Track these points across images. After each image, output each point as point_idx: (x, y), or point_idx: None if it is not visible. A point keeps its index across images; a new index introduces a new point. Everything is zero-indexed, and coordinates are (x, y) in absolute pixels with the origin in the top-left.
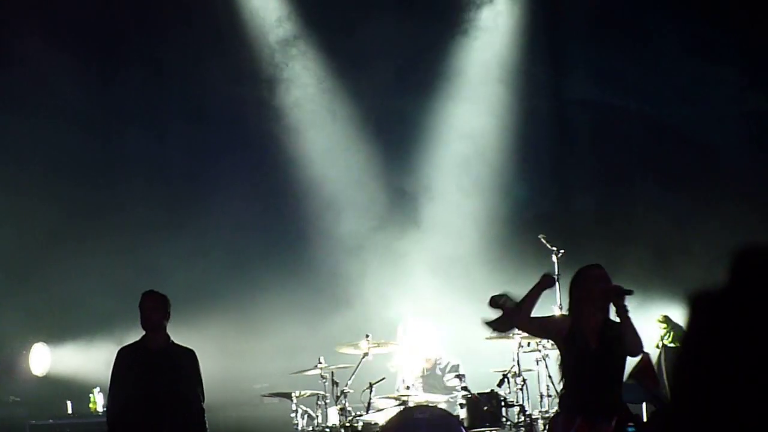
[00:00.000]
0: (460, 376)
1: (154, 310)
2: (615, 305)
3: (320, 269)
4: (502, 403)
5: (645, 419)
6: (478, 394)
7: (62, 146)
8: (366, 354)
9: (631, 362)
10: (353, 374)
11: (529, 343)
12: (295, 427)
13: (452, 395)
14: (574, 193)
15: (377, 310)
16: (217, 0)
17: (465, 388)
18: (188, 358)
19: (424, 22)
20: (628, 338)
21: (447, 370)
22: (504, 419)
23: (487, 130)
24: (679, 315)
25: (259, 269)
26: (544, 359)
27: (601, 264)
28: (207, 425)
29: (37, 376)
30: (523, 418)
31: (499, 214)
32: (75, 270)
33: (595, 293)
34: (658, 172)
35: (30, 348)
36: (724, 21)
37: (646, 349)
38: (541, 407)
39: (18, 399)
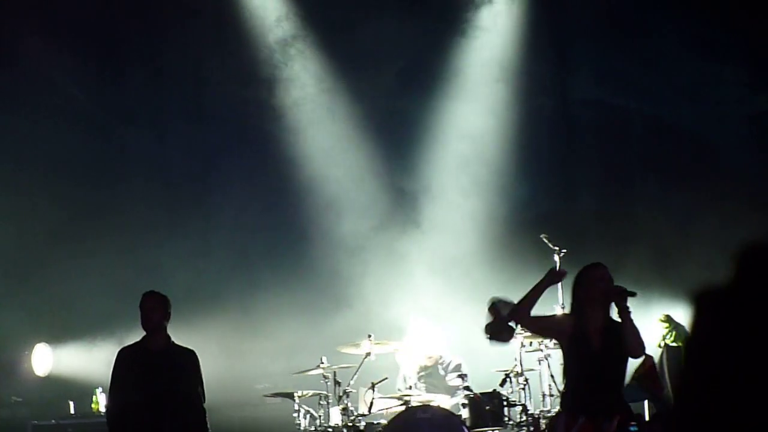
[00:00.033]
0: (462, 376)
1: (155, 311)
2: (616, 306)
3: (321, 269)
4: (505, 403)
5: (647, 418)
6: (480, 393)
7: (63, 146)
8: (368, 354)
9: (633, 363)
10: (355, 374)
11: (531, 343)
12: (297, 427)
13: (456, 395)
14: (577, 192)
15: (378, 310)
16: (219, 0)
17: (467, 388)
18: (189, 358)
19: (426, 22)
20: (628, 340)
21: (449, 369)
22: (506, 419)
23: (488, 129)
24: (681, 314)
25: (260, 269)
26: (546, 359)
27: (603, 263)
28: (209, 425)
29: (39, 377)
30: (525, 418)
31: (500, 214)
32: (76, 270)
33: (596, 293)
34: (661, 171)
35: (32, 348)
36: (728, 21)
37: (648, 349)
38: (543, 407)
39: (20, 399)
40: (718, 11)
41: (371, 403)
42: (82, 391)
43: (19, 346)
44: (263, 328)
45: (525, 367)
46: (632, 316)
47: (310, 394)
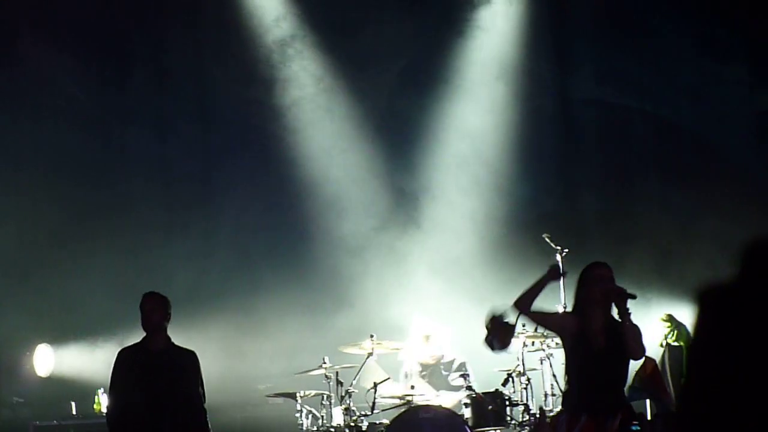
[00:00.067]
0: (464, 376)
1: (155, 312)
2: (616, 307)
3: (322, 269)
4: (507, 403)
5: (649, 418)
6: (482, 393)
7: (64, 146)
8: (370, 354)
9: (634, 365)
10: (358, 374)
11: (533, 343)
12: (299, 427)
13: (459, 392)
14: (579, 192)
15: (379, 310)
16: (220, 0)
17: (469, 388)
18: (189, 359)
19: (426, 22)
20: (628, 342)
21: (453, 368)
22: (509, 418)
23: (489, 129)
24: (683, 313)
25: (262, 269)
26: (549, 358)
27: (606, 262)
28: (209, 426)
29: (41, 377)
30: (527, 418)
31: (501, 214)
32: (78, 270)
33: (597, 293)
34: (663, 170)
35: (33, 349)
36: (729, 20)
37: (649, 349)
38: (546, 406)
39: (22, 400)
40: (719, 11)
41: (374, 403)
42: (83, 391)
43: (20, 346)
44: (265, 328)
45: (527, 366)
46: (633, 316)
47: (312, 394)
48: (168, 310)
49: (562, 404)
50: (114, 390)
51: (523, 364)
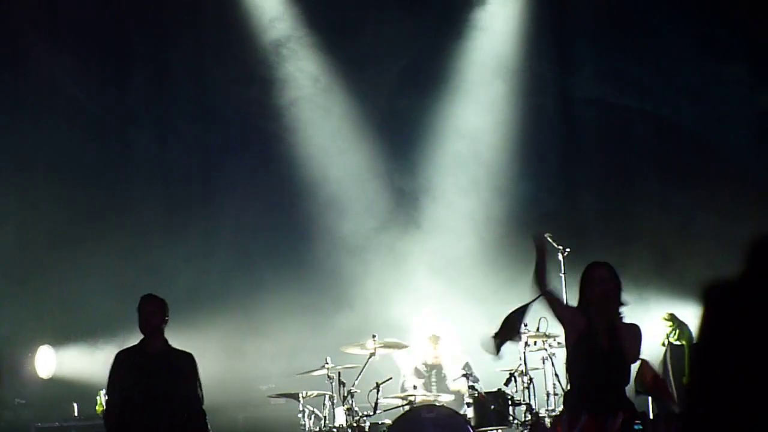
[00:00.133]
0: (467, 375)
1: (155, 314)
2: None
3: (323, 269)
4: (509, 402)
5: (651, 417)
6: (485, 393)
7: (64, 147)
8: (372, 354)
9: (634, 367)
10: (360, 374)
11: (535, 342)
12: (302, 427)
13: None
14: (579, 192)
15: (380, 310)
16: (220, 0)
17: (472, 387)
18: (187, 361)
19: (426, 22)
20: (623, 344)
21: (455, 367)
22: (511, 418)
23: (489, 129)
24: (685, 313)
25: (262, 270)
26: (551, 358)
27: (606, 262)
28: (209, 428)
29: (42, 379)
30: (530, 417)
31: (502, 214)
32: (78, 272)
33: (596, 294)
34: (663, 170)
35: (35, 350)
36: (729, 20)
37: (651, 348)
38: (548, 406)
39: (24, 401)
40: (719, 11)
41: (376, 403)
42: (85, 393)
43: (22, 348)
44: (266, 329)
45: (529, 366)
46: (632, 316)
47: (314, 395)
48: (166, 312)
49: (564, 404)
50: (112, 392)
51: (525, 364)
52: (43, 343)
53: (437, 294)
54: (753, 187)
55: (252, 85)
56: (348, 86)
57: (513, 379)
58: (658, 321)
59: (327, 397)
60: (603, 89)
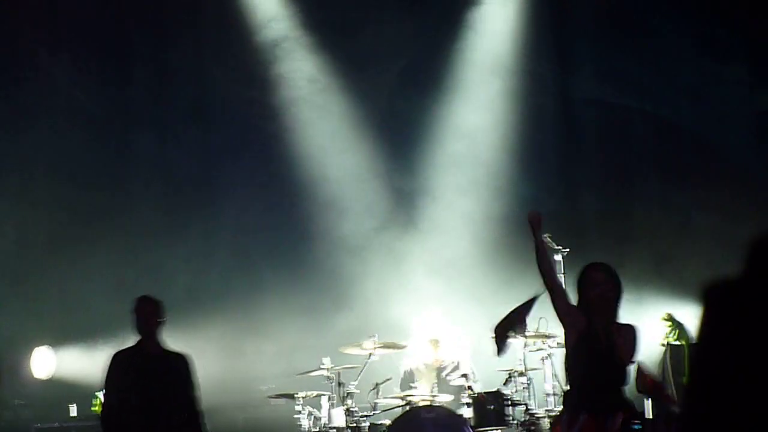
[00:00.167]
0: (466, 375)
1: (151, 315)
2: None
3: (322, 270)
4: (508, 403)
5: (650, 416)
6: (484, 393)
7: (65, 147)
8: (371, 354)
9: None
10: (359, 375)
11: (534, 342)
12: (300, 427)
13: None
14: (579, 192)
15: (379, 311)
16: (220, 0)
17: (470, 388)
18: (184, 362)
19: (426, 22)
20: (618, 345)
21: (453, 368)
22: (509, 418)
23: (489, 129)
24: (683, 313)
25: (262, 270)
26: (549, 357)
27: (605, 262)
28: (206, 429)
29: (40, 379)
30: (528, 417)
31: (501, 214)
32: (79, 272)
33: (593, 297)
34: (663, 170)
35: (34, 351)
36: (729, 20)
37: (649, 348)
38: (547, 406)
39: (22, 402)
40: (719, 11)
41: (375, 403)
42: (84, 393)
43: (21, 348)
44: (265, 329)
45: (528, 366)
46: (630, 316)
47: (313, 395)
48: (163, 313)
49: (563, 404)
50: (109, 393)
51: (525, 364)
52: (42, 344)
53: (437, 294)
54: (753, 187)
55: (252, 85)
56: (347, 86)
57: (512, 379)
58: (657, 321)
59: (327, 397)
60: (603, 89)
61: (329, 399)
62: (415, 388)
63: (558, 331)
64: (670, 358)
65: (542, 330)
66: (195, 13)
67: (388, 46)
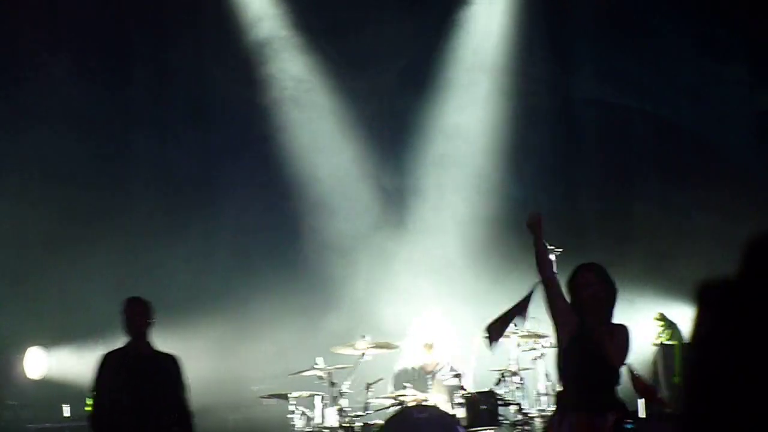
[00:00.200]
0: (459, 375)
1: (141, 316)
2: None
3: (315, 270)
4: (500, 402)
5: (643, 416)
6: (476, 393)
7: (64, 147)
8: (363, 354)
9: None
10: (351, 375)
11: (526, 342)
12: (293, 427)
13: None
14: (579, 192)
15: (372, 311)
16: (218, 1)
17: (462, 387)
18: (174, 363)
19: (422, 21)
20: (616, 345)
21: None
22: (502, 418)
23: (487, 129)
24: (682, 313)
25: (256, 271)
26: (542, 357)
27: (597, 263)
28: (195, 429)
29: (33, 380)
30: (520, 417)
31: (499, 214)
32: (78, 272)
33: (583, 299)
34: (662, 170)
35: (27, 351)
36: (729, 20)
37: (642, 348)
38: (539, 406)
39: (15, 402)
40: (719, 11)
41: (367, 403)
42: (77, 394)
43: (14, 349)
44: (258, 330)
45: (520, 366)
46: (627, 316)
47: (306, 395)
48: (152, 315)
49: (556, 404)
50: (99, 394)
51: (517, 364)
52: (36, 344)
53: (430, 294)
54: (753, 187)
55: (250, 85)
56: (345, 86)
57: (504, 379)
58: (650, 321)
59: (320, 398)
60: (603, 89)
61: (322, 399)
62: (409, 388)
63: (550, 331)
64: (663, 357)
65: (534, 330)
66: (195, 13)
67: (387, 46)
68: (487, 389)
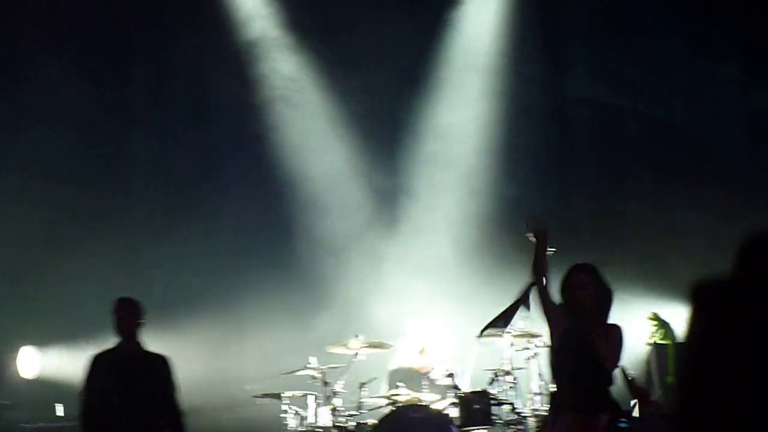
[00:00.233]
0: (452, 374)
1: (131, 317)
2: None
3: (307, 270)
4: (493, 402)
5: (636, 416)
6: (469, 392)
7: (65, 148)
8: (356, 354)
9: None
10: (344, 374)
11: (520, 342)
12: (286, 427)
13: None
14: (572, 191)
15: (365, 311)
16: (216, 1)
17: (455, 387)
18: (164, 363)
19: (415, 21)
20: (609, 345)
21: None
22: (495, 418)
23: (480, 129)
24: (675, 312)
25: (248, 271)
26: (535, 357)
27: (589, 263)
28: (186, 429)
29: (26, 379)
30: (514, 417)
31: (492, 214)
32: (72, 273)
33: (575, 300)
34: (655, 170)
35: (19, 351)
36: (722, 20)
37: (636, 347)
38: (533, 405)
39: (8, 402)
40: (712, 10)
41: (360, 403)
42: (70, 394)
43: (7, 348)
44: (251, 329)
45: (513, 365)
46: (619, 316)
47: (299, 395)
48: (143, 315)
49: (550, 404)
50: (89, 394)
51: (511, 363)
52: (28, 344)
53: (422, 295)
54: (746, 187)
55: (252, 85)
56: (342, 86)
57: (497, 378)
58: (644, 320)
59: (313, 397)
60: (596, 89)
61: (315, 399)
62: (403, 387)
63: (543, 330)
64: (656, 357)
65: (527, 329)
66: (195, 13)
67: (377, 46)
68: (480, 389)
